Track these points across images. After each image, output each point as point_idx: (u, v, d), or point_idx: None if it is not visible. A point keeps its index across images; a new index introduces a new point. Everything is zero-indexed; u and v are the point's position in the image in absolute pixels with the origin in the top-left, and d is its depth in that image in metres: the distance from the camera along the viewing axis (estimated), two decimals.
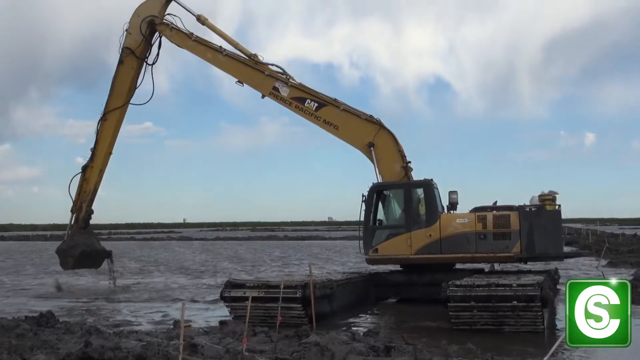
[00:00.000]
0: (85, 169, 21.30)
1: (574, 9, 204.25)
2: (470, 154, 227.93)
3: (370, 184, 19.38)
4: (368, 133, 19.79)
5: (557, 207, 19.14)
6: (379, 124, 19.91)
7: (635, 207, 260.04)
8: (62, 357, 9.80)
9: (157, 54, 21.83)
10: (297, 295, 15.05)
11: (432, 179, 19.47)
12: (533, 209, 18.77)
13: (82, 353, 9.64)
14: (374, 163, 19.71)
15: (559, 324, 15.50)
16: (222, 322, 14.71)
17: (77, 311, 18.44)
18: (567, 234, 63.75)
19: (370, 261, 19.20)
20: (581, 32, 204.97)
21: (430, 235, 18.28)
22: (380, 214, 19.61)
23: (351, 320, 16.48)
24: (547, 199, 18.85)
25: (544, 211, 19.01)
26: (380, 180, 19.58)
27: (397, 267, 19.75)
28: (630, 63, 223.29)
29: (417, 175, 19.94)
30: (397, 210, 19.52)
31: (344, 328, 14.19)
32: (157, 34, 21.81)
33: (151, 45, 21.71)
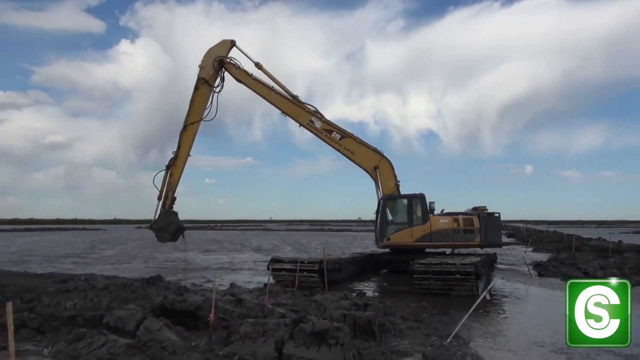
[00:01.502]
0: (169, 167, 18.70)
1: (517, 86, 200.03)
2: (449, 178, 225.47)
3: (384, 195, 18.58)
4: (374, 159, 18.93)
5: (497, 214, 18.87)
6: (381, 154, 19.09)
7: (559, 212, 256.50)
8: (146, 307, 9.44)
9: (222, 85, 19.20)
10: (315, 268, 14.59)
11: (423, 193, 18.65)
12: (485, 214, 18.46)
13: (160, 304, 9.30)
14: (377, 180, 18.98)
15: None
16: (265, 285, 14.24)
17: (178, 275, 18.17)
18: (510, 230, 61.84)
19: (385, 246, 18.35)
20: (523, 101, 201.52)
21: (424, 230, 17.74)
22: (391, 215, 18.76)
23: (353, 285, 15.82)
24: (482, 208, 18.57)
25: (492, 216, 18.87)
26: (381, 192, 18.90)
27: (387, 250, 19.03)
28: (555, 120, 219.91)
29: (411, 190, 19.09)
30: (402, 212, 18.57)
31: (345, 290, 13.57)
32: (221, 70, 19.36)
33: (219, 78, 19.20)
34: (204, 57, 19.10)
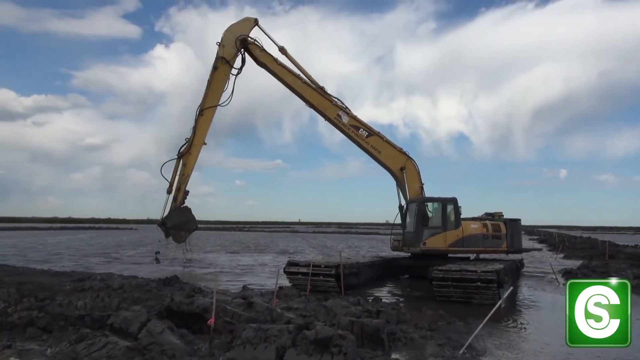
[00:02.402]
0: (181, 155, 15.80)
1: (552, 88, 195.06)
2: (480, 182, 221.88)
3: (417, 198, 17.97)
4: (400, 160, 18.36)
5: (518, 219, 18.52)
6: (407, 155, 18.53)
7: (594, 217, 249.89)
8: (155, 308, 9.33)
9: (241, 67, 16.92)
10: (332, 272, 14.26)
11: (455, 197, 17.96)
12: (510, 220, 18.23)
13: (166, 306, 9.17)
14: (404, 182, 18.44)
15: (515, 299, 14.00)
16: (280, 288, 14.00)
17: (195, 276, 17.94)
18: (542, 235, 60.11)
19: (421, 251, 17.21)
20: (557, 103, 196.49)
21: (457, 235, 17.22)
22: (425, 218, 17.93)
23: (371, 290, 15.39)
24: (498, 214, 18.22)
25: (516, 222, 18.59)
26: (408, 195, 18.38)
27: (408, 255, 18.54)
28: (590, 124, 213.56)
29: (436, 193, 18.39)
30: (436, 216, 17.84)
31: (360, 296, 13.20)
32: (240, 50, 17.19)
33: (242, 59, 17.07)
34: (225, 34, 16.82)
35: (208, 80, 16.60)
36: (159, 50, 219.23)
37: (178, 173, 15.94)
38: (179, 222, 15.95)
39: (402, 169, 18.35)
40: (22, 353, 7.44)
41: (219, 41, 16.75)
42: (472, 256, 18.82)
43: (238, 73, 16.92)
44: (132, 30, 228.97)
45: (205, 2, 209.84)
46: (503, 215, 18.38)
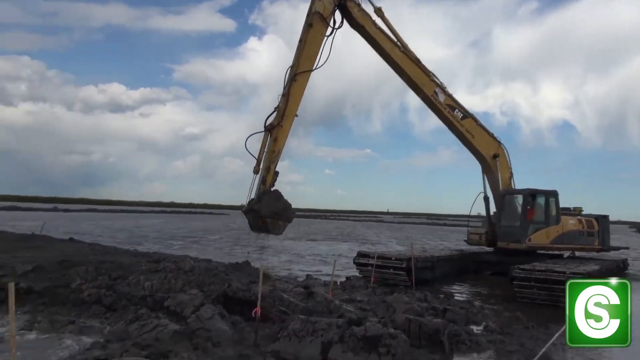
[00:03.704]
0: (271, 128, 12.75)
1: None
2: (587, 173, 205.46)
3: (523, 189, 16.78)
4: (493, 146, 16.97)
5: (607, 216, 17.87)
6: (499, 141, 17.12)
7: None
8: (212, 293, 9.38)
9: (336, 28, 13.90)
10: (403, 266, 13.68)
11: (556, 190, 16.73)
12: (601, 217, 16.83)
13: (223, 292, 9.19)
14: (496, 171, 17.14)
15: None
16: (347, 278, 13.69)
17: (267, 262, 18.01)
18: None
19: (528, 247, 15.94)
20: None
21: (558, 230, 16.11)
22: (528, 212, 16.35)
23: (447, 285, 14.58)
24: (578, 209, 17.41)
25: (606, 218, 17.80)
26: (501, 185, 17.01)
27: (491, 249, 17.32)
28: None
29: (525, 185, 17.01)
30: (539, 210, 16.46)
31: (431, 291, 12.51)
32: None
33: (334, 20, 14.03)
34: None
35: (301, 40, 13.86)
36: (253, 42, 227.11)
37: (266, 149, 13.04)
38: (275, 209, 12.52)
39: (495, 157, 17.03)
40: (82, 329, 7.78)
41: None
42: (566, 254, 17.30)
43: (332, 33, 13.99)
44: (227, 24, 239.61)
45: None
46: (582, 211, 16.84)
